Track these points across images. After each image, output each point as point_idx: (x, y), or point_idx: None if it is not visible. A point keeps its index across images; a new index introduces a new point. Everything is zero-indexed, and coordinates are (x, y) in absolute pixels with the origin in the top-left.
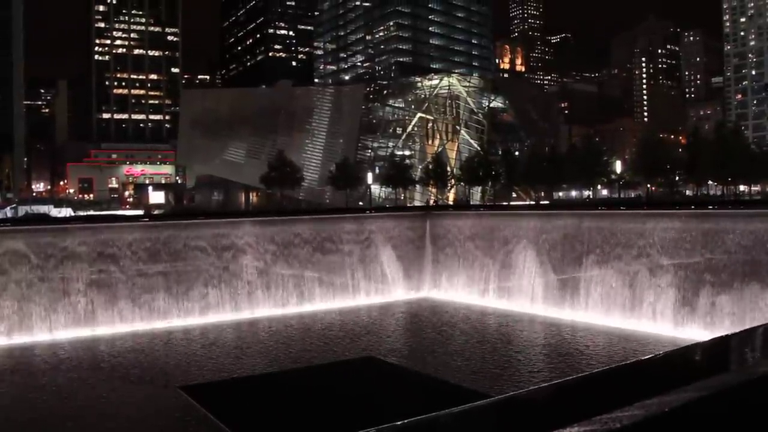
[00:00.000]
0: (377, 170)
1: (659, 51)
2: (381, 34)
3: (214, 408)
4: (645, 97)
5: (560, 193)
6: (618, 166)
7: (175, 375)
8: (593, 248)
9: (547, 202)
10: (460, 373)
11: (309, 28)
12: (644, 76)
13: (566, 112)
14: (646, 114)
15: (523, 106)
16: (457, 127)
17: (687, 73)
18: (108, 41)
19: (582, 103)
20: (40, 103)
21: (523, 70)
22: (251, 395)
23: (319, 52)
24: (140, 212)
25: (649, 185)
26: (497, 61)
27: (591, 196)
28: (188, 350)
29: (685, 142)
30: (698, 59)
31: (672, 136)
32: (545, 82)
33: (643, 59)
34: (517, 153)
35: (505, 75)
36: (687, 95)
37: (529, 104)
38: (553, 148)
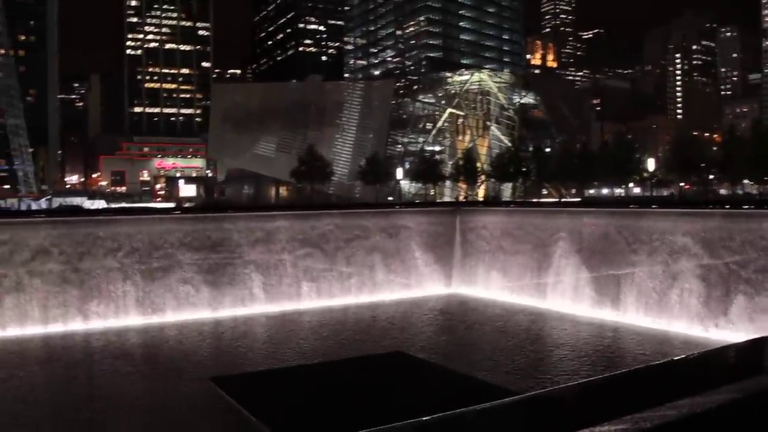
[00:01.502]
0: (407, 165)
1: (694, 47)
2: (411, 29)
3: (245, 399)
4: (679, 94)
5: (591, 191)
6: (651, 164)
7: (207, 366)
8: (626, 246)
9: (578, 199)
10: (489, 369)
11: (339, 23)
12: (678, 72)
13: (598, 108)
14: (680, 111)
15: (554, 103)
16: (488, 123)
17: (723, 69)
18: (140, 36)
19: (614, 100)
20: (73, 96)
21: (555, 66)
22: (280, 387)
23: (350, 47)
24: (172, 205)
25: (682, 183)
26: (528, 57)
27: (623, 194)
28: (220, 342)
29: (720, 140)
30: (735, 55)
31: (707, 134)
32: (577, 78)
33: (678, 55)
34: (547, 150)
35: (537, 71)
36: (723, 92)
37: (560, 100)
38: (585, 145)
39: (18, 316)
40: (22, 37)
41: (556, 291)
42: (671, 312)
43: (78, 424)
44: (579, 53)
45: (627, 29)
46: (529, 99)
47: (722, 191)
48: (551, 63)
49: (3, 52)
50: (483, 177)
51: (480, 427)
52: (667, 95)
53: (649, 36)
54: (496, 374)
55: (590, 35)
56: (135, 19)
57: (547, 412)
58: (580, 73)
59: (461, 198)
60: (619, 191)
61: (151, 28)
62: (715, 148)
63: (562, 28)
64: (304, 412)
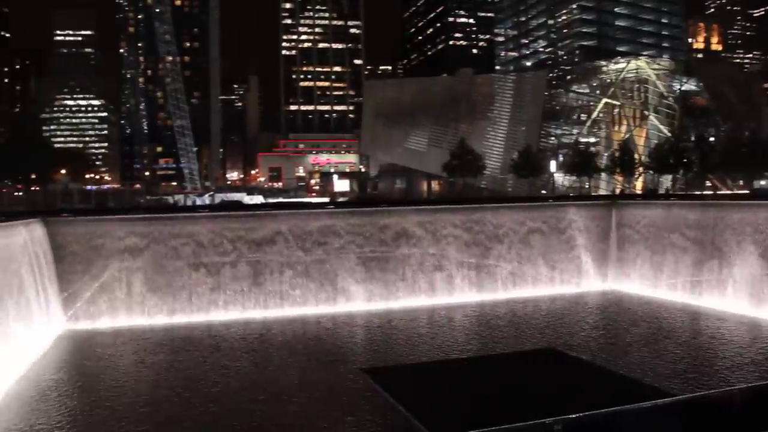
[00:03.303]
0: (561, 158)
1: None
2: (563, 17)
3: (394, 391)
4: None
5: (762, 182)
6: None
7: (359, 357)
8: None
9: (745, 191)
10: (644, 369)
11: (489, 14)
12: None
13: None
14: None
15: (719, 89)
16: (646, 113)
17: None
18: (294, 36)
19: None
20: (233, 97)
21: (720, 49)
22: (431, 381)
23: (500, 39)
24: (326, 200)
25: None
26: (690, 40)
27: None
28: (372, 334)
29: None
30: None
31: None
32: (746, 60)
33: None
34: (711, 139)
35: (699, 55)
36: None
37: (726, 86)
38: (754, 132)
39: (183, 307)
40: (187, 44)
41: (719, 289)
42: None
43: (251, 403)
44: (748, 33)
45: None
46: (690, 86)
47: None
48: (716, 46)
49: (171, 58)
50: (641, 169)
51: (631, 427)
52: None
53: None
54: (652, 374)
55: (761, 12)
56: (289, 21)
57: (708, 416)
58: (750, 55)
59: (617, 191)
60: None
61: (305, 29)
62: None
63: (728, 8)
64: (455, 407)
